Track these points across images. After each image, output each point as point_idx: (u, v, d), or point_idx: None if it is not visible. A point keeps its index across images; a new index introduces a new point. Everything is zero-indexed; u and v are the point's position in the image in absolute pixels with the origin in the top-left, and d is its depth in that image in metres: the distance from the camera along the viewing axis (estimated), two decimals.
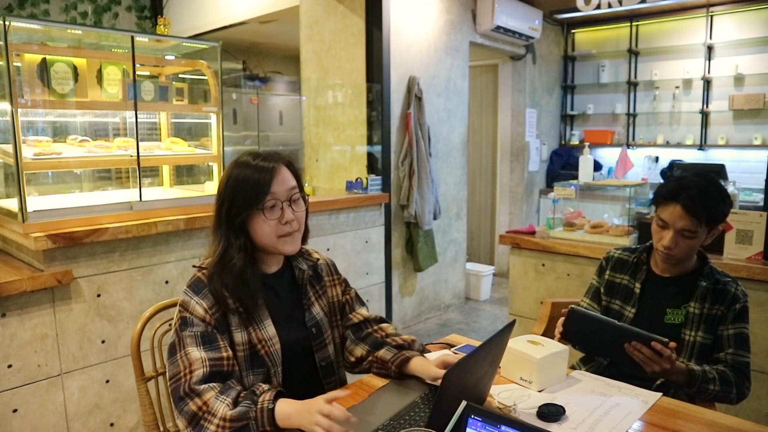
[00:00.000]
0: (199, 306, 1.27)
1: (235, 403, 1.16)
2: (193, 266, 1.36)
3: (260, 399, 1.16)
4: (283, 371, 1.34)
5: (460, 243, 4.99)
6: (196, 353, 1.21)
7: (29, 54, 2.26)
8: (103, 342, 2.34)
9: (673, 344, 1.48)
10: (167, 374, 1.25)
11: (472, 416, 0.92)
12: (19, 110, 2.12)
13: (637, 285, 1.78)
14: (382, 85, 3.88)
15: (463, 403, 0.97)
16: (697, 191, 1.59)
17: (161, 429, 1.49)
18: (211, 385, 1.19)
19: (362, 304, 1.59)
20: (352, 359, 1.50)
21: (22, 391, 2.11)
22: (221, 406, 1.15)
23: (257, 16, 4.87)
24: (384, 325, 1.55)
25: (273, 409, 1.13)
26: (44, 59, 2.27)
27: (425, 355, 1.47)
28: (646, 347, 1.47)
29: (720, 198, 1.62)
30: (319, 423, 1.08)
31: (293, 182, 1.35)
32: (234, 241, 1.31)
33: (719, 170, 3.64)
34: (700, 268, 1.72)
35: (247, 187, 1.29)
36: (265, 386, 1.21)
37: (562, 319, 1.65)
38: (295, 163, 1.39)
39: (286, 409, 1.14)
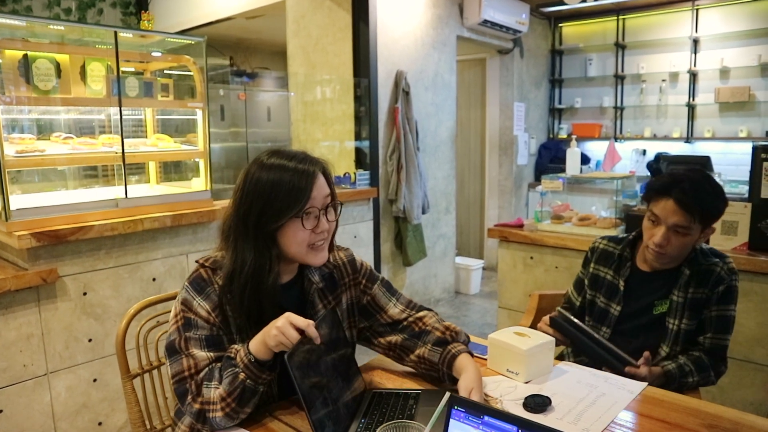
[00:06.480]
0: (201, 308, 1.23)
1: (221, 380, 1.17)
2: (197, 261, 1.30)
3: (238, 359, 1.17)
4: (278, 383, 1.31)
5: (449, 237, 5.00)
6: (202, 353, 1.20)
7: (10, 50, 2.22)
8: (90, 341, 2.32)
9: (647, 354, 1.56)
10: (170, 371, 1.22)
11: (456, 407, 0.92)
12: (1, 107, 2.09)
13: (621, 282, 1.76)
14: (369, 80, 3.87)
15: (447, 395, 0.97)
16: (689, 185, 1.54)
17: (148, 426, 1.48)
18: (205, 383, 1.19)
19: (391, 298, 1.48)
20: (384, 342, 1.44)
21: (8, 391, 2.09)
22: (212, 391, 1.16)
23: (244, 11, 4.84)
24: (422, 314, 1.46)
25: (255, 360, 1.15)
26: (26, 55, 2.24)
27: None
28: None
29: (714, 193, 1.58)
30: (278, 326, 1.13)
31: (328, 189, 1.28)
32: (264, 252, 1.23)
33: (705, 162, 3.66)
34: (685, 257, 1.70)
35: (286, 191, 1.21)
36: (236, 346, 1.21)
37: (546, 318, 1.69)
38: (329, 168, 1.31)
39: (256, 340, 1.17)
